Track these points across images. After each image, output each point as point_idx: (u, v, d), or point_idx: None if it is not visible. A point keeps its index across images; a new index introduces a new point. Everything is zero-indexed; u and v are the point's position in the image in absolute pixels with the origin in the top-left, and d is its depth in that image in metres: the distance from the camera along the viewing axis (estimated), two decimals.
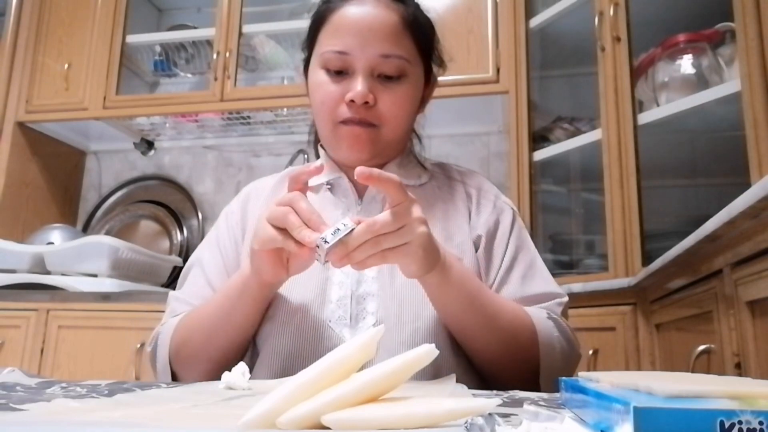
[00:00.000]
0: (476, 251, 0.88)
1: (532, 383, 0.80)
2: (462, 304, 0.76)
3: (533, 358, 0.80)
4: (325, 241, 0.63)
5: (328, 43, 0.85)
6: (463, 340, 0.80)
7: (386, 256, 0.66)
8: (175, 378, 0.85)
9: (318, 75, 0.86)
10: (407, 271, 0.71)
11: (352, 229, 0.64)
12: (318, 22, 0.89)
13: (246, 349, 0.85)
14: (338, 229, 0.64)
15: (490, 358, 0.80)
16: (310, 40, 0.91)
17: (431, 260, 0.70)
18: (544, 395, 0.60)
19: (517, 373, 0.78)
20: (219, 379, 0.82)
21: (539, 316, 0.82)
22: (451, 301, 0.76)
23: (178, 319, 0.86)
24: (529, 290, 0.86)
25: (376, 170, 0.65)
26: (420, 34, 0.88)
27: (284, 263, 0.72)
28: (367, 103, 0.83)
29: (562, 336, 0.83)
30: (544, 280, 0.89)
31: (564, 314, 0.88)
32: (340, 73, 0.85)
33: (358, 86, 0.82)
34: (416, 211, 0.67)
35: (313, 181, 0.94)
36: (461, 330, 0.79)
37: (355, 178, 0.64)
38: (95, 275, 2.11)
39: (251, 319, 0.81)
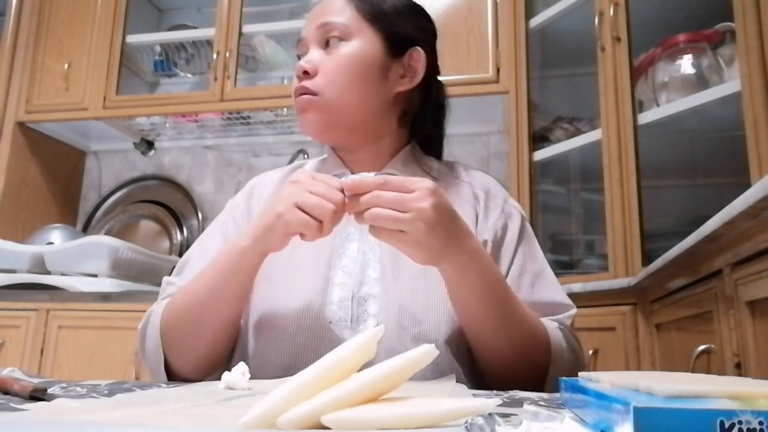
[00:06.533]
0: None
1: (533, 388, 0.80)
2: (482, 305, 0.74)
3: (542, 367, 0.79)
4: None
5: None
6: (476, 340, 0.78)
7: (379, 232, 0.68)
8: (165, 362, 0.83)
9: None
10: (412, 255, 0.70)
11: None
12: None
13: (235, 334, 0.85)
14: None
15: (500, 362, 0.78)
16: None
17: (441, 245, 0.68)
18: (544, 395, 0.60)
19: (522, 380, 0.76)
20: (208, 367, 0.84)
21: (550, 326, 0.82)
22: (469, 299, 0.74)
23: (171, 298, 0.85)
24: (538, 297, 0.85)
25: (355, 180, 0.69)
26: (364, 3, 0.90)
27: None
28: (306, 73, 0.86)
29: (569, 348, 0.82)
30: (553, 291, 0.88)
31: (572, 326, 0.87)
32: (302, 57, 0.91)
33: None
34: (427, 183, 0.68)
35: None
36: (476, 330, 0.77)
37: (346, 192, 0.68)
38: (95, 275, 2.11)
39: (242, 293, 0.80)
